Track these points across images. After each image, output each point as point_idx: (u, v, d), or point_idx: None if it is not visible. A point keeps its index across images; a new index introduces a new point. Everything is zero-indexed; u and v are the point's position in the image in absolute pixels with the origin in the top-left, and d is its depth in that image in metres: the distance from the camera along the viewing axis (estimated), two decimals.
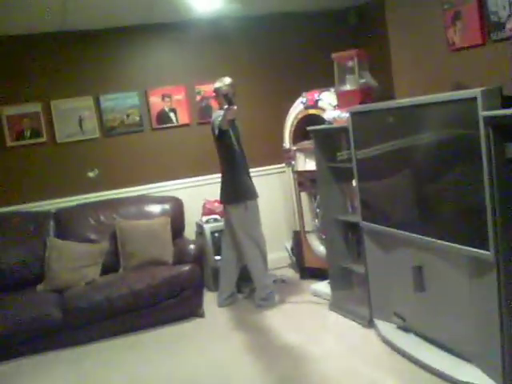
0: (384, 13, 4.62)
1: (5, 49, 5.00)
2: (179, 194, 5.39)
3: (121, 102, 5.38)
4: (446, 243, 3.03)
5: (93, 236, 4.90)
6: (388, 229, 3.59)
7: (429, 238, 3.18)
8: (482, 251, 2.75)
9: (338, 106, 4.31)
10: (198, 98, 5.60)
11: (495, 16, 3.32)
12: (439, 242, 3.08)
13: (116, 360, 4.00)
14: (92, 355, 4.12)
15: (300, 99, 5.11)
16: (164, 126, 5.51)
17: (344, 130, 3.99)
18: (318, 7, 5.67)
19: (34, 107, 5.12)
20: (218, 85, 4.62)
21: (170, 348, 4.12)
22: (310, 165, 5.04)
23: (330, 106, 4.72)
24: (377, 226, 3.70)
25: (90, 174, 5.30)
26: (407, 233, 3.38)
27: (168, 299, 4.49)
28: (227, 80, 4.61)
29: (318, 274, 5.04)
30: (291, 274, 5.58)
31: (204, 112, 5.59)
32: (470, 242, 2.84)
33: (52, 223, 4.92)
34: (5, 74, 5.02)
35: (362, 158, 3.79)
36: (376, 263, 3.85)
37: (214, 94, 4.75)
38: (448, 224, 3.07)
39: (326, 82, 4.92)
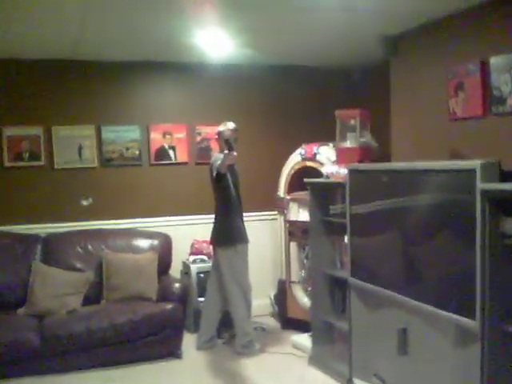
0: (388, 75, 4.74)
1: (14, 71, 5.08)
2: (169, 231, 5.38)
3: (122, 135, 5.44)
4: (432, 308, 3.05)
5: (79, 264, 4.87)
6: (375, 287, 3.61)
7: (415, 301, 3.21)
8: (467, 320, 2.78)
9: (337, 162, 4.38)
10: (199, 138, 5.67)
11: (497, 90, 3.44)
12: (425, 306, 3.11)
13: None
14: None
15: (299, 150, 5.21)
16: (162, 162, 5.57)
17: (341, 185, 4.05)
18: (324, 63, 5.83)
19: (36, 130, 5.16)
20: (221, 128, 4.70)
21: None
22: (302, 215, 5.08)
23: (328, 160, 4.80)
24: (364, 283, 3.73)
25: (84, 203, 5.30)
26: (394, 293, 3.41)
27: (147, 336, 4.45)
28: (231, 125, 4.69)
29: (299, 326, 5.02)
30: (272, 323, 5.55)
31: (203, 153, 5.66)
32: (457, 310, 2.86)
33: (39, 247, 4.88)
34: (10, 95, 5.08)
35: (355, 215, 3.84)
36: (360, 321, 3.85)
37: (216, 136, 4.82)
38: (435, 289, 3.10)
39: (325, 136, 5.04)
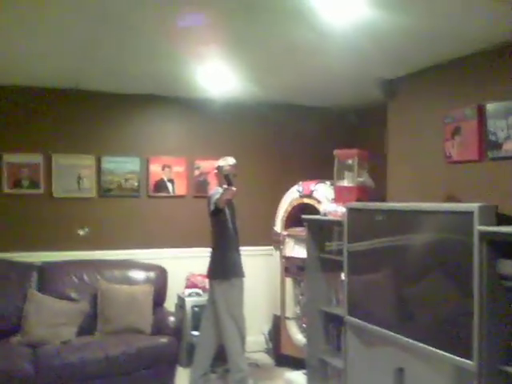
0: (386, 117, 4.85)
1: (17, 97, 5.15)
2: (165, 264, 5.38)
3: (121, 166, 5.49)
4: (429, 348, 3.09)
5: (74, 295, 4.84)
6: (372, 326, 3.64)
7: (412, 341, 3.24)
8: (465, 360, 2.81)
9: (335, 200, 4.45)
10: (197, 172, 5.74)
11: (493, 136, 3.53)
12: (423, 345, 3.14)
13: None
14: None
15: (296, 187, 5.28)
16: (160, 194, 5.62)
17: (338, 223, 4.11)
18: (322, 103, 5.97)
19: (35, 158, 5.20)
20: (221, 163, 4.75)
21: None
22: (298, 251, 5.13)
23: (325, 198, 4.87)
24: (361, 322, 3.75)
25: (80, 232, 5.32)
26: (391, 333, 3.44)
27: (141, 370, 4.42)
28: (231, 160, 4.74)
29: (293, 363, 5.01)
30: (266, 359, 5.53)
31: (201, 186, 5.72)
32: (454, 350, 2.90)
33: (35, 276, 4.85)
34: (12, 122, 5.13)
35: (352, 253, 3.89)
36: (356, 359, 3.86)
37: (215, 170, 4.86)
38: (433, 329, 3.13)
39: (322, 174, 5.14)
